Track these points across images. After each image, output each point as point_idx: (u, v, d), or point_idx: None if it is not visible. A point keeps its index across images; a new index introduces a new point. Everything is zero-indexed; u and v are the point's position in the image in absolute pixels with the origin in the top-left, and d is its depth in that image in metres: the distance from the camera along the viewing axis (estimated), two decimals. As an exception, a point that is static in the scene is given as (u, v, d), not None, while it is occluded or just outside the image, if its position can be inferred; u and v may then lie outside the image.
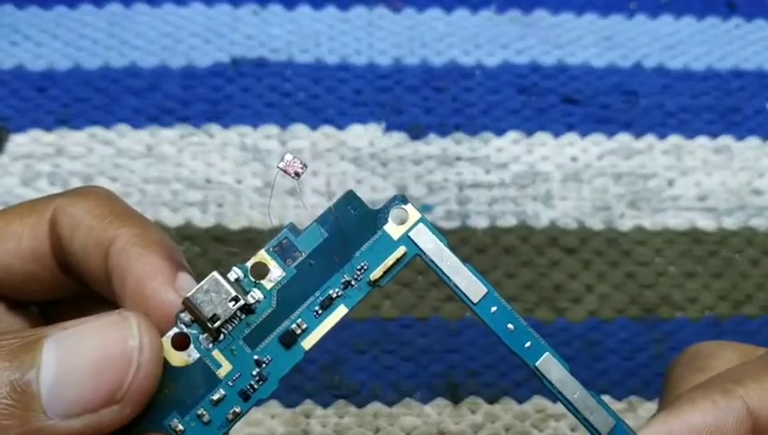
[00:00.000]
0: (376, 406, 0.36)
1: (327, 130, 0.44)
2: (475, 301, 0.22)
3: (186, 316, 0.21)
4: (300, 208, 0.41)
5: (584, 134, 0.44)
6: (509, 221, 0.41)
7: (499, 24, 0.48)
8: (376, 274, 0.22)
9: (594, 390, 0.22)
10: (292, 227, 0.22)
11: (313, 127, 0.44)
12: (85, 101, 0.44)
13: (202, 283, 0.21)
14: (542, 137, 0.44)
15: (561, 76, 0.46)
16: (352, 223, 0.22)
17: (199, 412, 0.21)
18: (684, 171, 0.43)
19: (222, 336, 0.21)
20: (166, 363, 0.21)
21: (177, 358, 0.21)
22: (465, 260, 0.22)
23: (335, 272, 0.22)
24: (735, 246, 0.41)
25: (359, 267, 0.22)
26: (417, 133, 0.44)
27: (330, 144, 0.43)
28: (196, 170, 0.42)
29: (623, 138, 0.44)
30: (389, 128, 0.44)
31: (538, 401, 0.37)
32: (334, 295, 0.22)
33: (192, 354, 0.21)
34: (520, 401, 0.37)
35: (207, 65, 0.46)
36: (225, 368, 0.21)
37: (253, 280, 0.21)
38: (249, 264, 0.22)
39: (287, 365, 0.21)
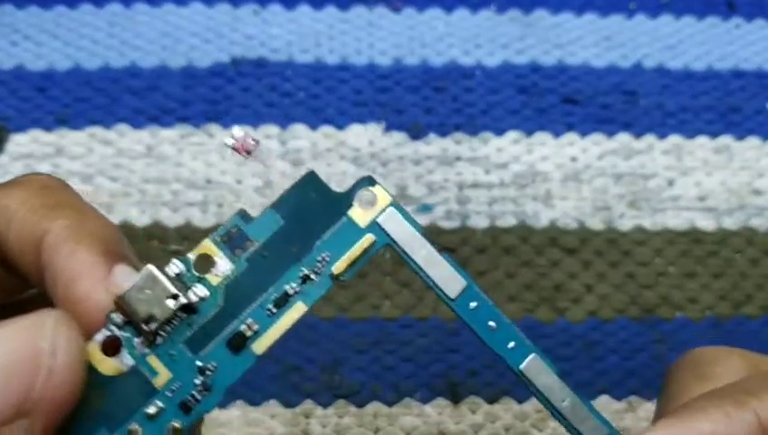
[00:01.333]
0: (376, 406, 0.36)
1: (327, 129, 0.44)
2: (453, 296, 0.19)
3: (117, 317, 0.18)
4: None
5: (584, 134, 0.44)
6: (509, 221, 0.41)
7: (499, 23, 0.48)
8: (339, 266, 0.19)
9: (590, 392, 0.21)
10: (243, 214, 0.19)
11: (313, 127, 0.44)
12: (85, 101, 0.44)
13: (136, 279, 0.18)
14: (541, 137, 0.44)
15: (561, 76, 0.46)
16: (313, 208, 0.19)
17: (131, 428, 0.18)
18: (684, 171, 0.43)
19: (159, 340, 0.18)
20: (94, 371, 0.18)
21: (108, 365, 0.18)
22: (442, 250, 0.20)
23: (292, 265, 0.19)
24: (735, 246, 0.41)
25: (319, 259, 0.19)
26: (417, 133, 0.44)
27: (330, 144, 0.43)
28: (196, 170, 0.42)
29: (623, 138, 0.44)
30: (389, 128, 0.44)
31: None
32: (291, 292, 0.19)
33: (125, 361, 0.18)
34: (520, 401, 0.37)
35: (207, 65, 0.46)
36: (162, 376, 0.18)
37: (196, 274, 0.19)
38: (192, 255, 0.19)
39: (235, 373, 0.18)
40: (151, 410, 0.18)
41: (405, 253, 0.19)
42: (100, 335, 0.18)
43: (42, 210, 0.20)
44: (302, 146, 0.43)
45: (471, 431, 0.36)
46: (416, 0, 0.49)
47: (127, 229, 0.40)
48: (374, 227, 0.19)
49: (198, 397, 0.18)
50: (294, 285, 0.19)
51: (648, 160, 0.44)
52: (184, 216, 0.41)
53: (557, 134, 0.44)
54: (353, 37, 0.47)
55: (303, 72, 0.46)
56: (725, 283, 0.40)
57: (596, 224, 0.42)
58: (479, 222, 0.41)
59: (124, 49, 0.46)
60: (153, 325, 0.18)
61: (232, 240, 0.19)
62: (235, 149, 0.19)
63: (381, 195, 0.19)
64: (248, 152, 0.19)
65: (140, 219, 0.41)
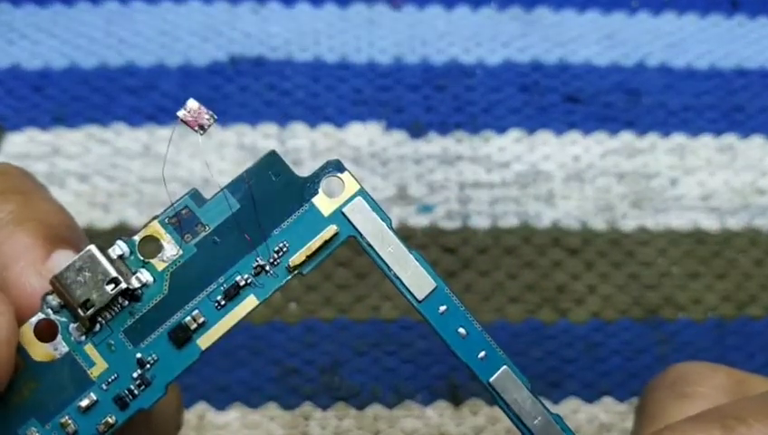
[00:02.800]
0: (376, 408, 0.36)
1: (326, 128, 0.43)
2: (420, 298, 0.18)
3: (53, 300, 0.17)
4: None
5: (586, 133, 0.44)
6: (511, 221, 0.41)
7: (500, 21, 0.48)
8: (297, 258, 0.18)
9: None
10: (196, 195, 0.18)
11: (312, 126, 0.43)
12: (82, 99, 0.44)
13: (74, 259, 0.17)
14: (543, 136, 0.44)
15: (562, 74, 0.46)
16: (273, 193, 0.18)
17: (63, 420, 0.17)
18: (687, 171, 0.43)
19: (98, 327, 0.17)
20: (25, 357, 0.17)
21: (41, 351, 0.17)
22: (411, 248, 0.18)
23: (246, 253, 0.18)
24: (739, 246, 0.41)
25: (276, 249, 0.18)
26: (417, 132, 0.44)
27: (329, 143, 0.43)
28: (193, 170, 0.42)
29: (626, 136, 0.44)
30: (390, 126, 0.44)
31: (540, 403, 0.36)
32: (242, 283, 0.18)
33: (59, 347, 0.17)
34: (522, 404, 0.36)
35: (205, 64, 0.45)
36: (99, 367, 0.17)
37: (141, 258, 0.18)
38: (137, 238, 0.18)
39: (177, 368, 0.17)
40: (84, 402, 0.17)
41: (371, 247, 0.18)
42: (35, 318, 0.17)
43: None
44: (302, 145, 0.43)
45: (472, 434, 0.36)
46: (416, -2, 0.49)
47: (124, 230, 0.40)
48: (339, 216, 0.18)
49: (136, 392, 0.17)
50: (247, 275, 0.18)
51: (650, 160, 0.43)
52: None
53: (559, 133, 0.44)
54: (353, 35, 0.47)
55: (302, 70, 0.45)
56: (729, 283, 0.40)
57: (599, 224, 0.41)
58: (480, 222, 0.41)
59: (121, 47, 0.46)
60: (90, 311, 0.17)
61: (181, 223, 0.18)
62: (185, 122, 0.18)
63: (349, 182, 0.18)
64: (201, 127, 0.18)
65: (138, 220, 0.40)
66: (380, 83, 0.45)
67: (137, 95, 0.44)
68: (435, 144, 0.43)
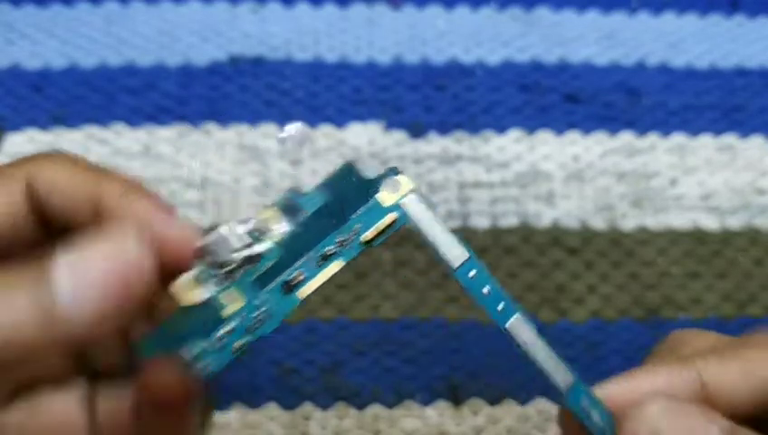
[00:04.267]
0: (376, 408, 0.36)
1: (326, 128, 0.43)
2: (456, 266, 0.24)
3: (200, 261, 0.24)
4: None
5: (586, 132, 0.44)
6: (510, 221, 0.41)
7: (500, 21, 0.48)
8: (368, 235, 0.24)
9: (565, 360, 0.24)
10: (296, 190, 0.25)
11: (312, 125, 0.43)
12: (82, 99, 0.44)
13: (217, 229, 0.24)
14: (543, 135, 0.44)
15: (562, 74, 0.46)
16: (349, 190, 0.25)
17: (209, 342, 0.23)
18: (687, 170, 0.43)
19: (230, 280, 0.24)
20: (179, 301, 0.23)
21: (189, 297, 0.23)
22: (450, 230, 0.24)
23: (332, 232, 0.24)
24: (739, 245, 0.41)
25: (353, 230, 0.24)
26: (417, 132, 0.44)
27: (329, 143, 0.43)
28: (193, 169, 0.42)
29: (626, 136, 0.44)
30: (390, 126, 0.44)
31: (540, 402, 0.36)
32: (329, 253, 0.24)
33: (203, 295, 0.24)
34: (522, 403, 0.36)
35: (205, 63, 0.45)
36: (233, 306, 0.24)
37: (260, 233, 0.24)
38: (257, 219, 0.24)
39: (285, 308, 0.24)
40: (225, 329, 0.23)
41: (420, 230, 0.24)
42: (187, 274, 0.23)
43: (95, 172, 0.23)
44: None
45: (472, 433, 0.36)
46: (416, -2, 0.49)
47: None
48: (397, 207, 0.24)
49: (261, 321, 0.23)
50: (332, 247, 0.24)
51: (650, 159, 0.43)
52: (181, 215, 0.40)
53: (559, 133, 0.44)
54: (353, 35, 0.47)
55: (302, 70, 0.45)
56: (729, 283, 0.40)
57: (598, 224, 0.41)
58: (480, 222, 0.41)
59: (121, 47, 0.46)
60: (228, 268, 0.23)
61: (288, 208, 0.24)
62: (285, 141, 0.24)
63: (404, 182, 0.24)
64: (300, 144, 0.25)
65: (138, 219, 0.40)
66: (380, 83, 0.45)
67: (137, 95, 0.44)
68: (435, 144, 0.43)
